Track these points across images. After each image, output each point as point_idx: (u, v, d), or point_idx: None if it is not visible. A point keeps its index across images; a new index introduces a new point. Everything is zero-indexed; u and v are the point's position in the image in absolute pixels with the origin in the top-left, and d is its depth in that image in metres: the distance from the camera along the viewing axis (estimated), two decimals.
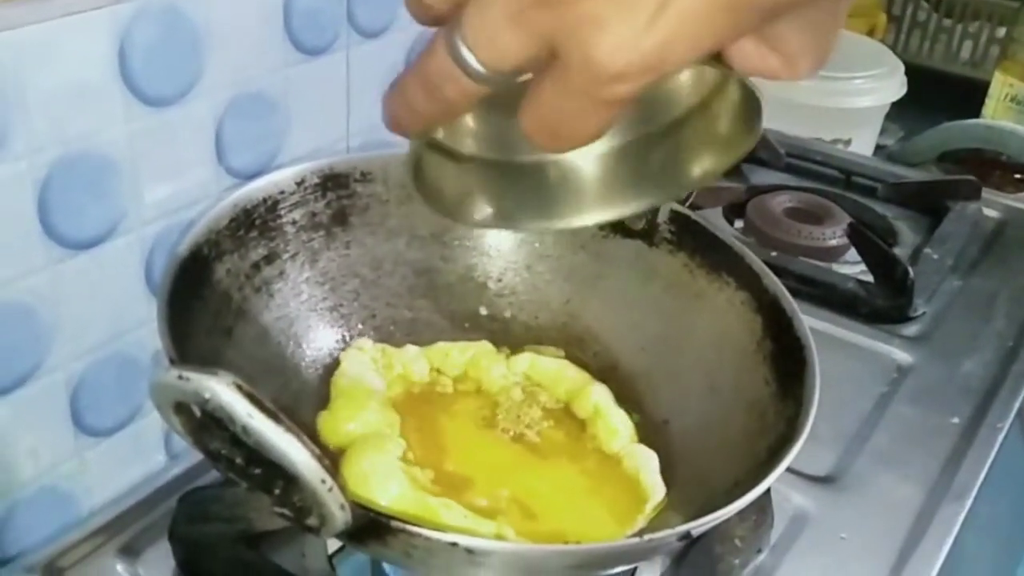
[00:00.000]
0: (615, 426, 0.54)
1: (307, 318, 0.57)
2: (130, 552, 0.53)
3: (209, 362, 0.48)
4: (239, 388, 0.34)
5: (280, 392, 0.54)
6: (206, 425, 0.36)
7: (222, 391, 0.33)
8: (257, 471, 0.37)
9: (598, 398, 0.56)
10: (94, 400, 0.59)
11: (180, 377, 0.34)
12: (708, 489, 0.50)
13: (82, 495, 0.59)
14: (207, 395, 0.34)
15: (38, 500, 0.57)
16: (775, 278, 0.55)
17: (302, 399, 0.55)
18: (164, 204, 0.59)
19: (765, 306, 0.54)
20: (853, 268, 0.83)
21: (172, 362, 0.42)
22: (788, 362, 0.51)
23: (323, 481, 0.34)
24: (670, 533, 0.39)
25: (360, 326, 0.59)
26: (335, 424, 0.51)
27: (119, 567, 0.52)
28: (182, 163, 0.59)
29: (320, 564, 0.51)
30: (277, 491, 0.37)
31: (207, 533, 0.51)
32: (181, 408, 0.36)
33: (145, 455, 0.63)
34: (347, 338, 0.59)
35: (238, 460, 0.37)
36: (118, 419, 0.61)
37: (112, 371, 0.59)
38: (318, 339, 0.57)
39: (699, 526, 0.39)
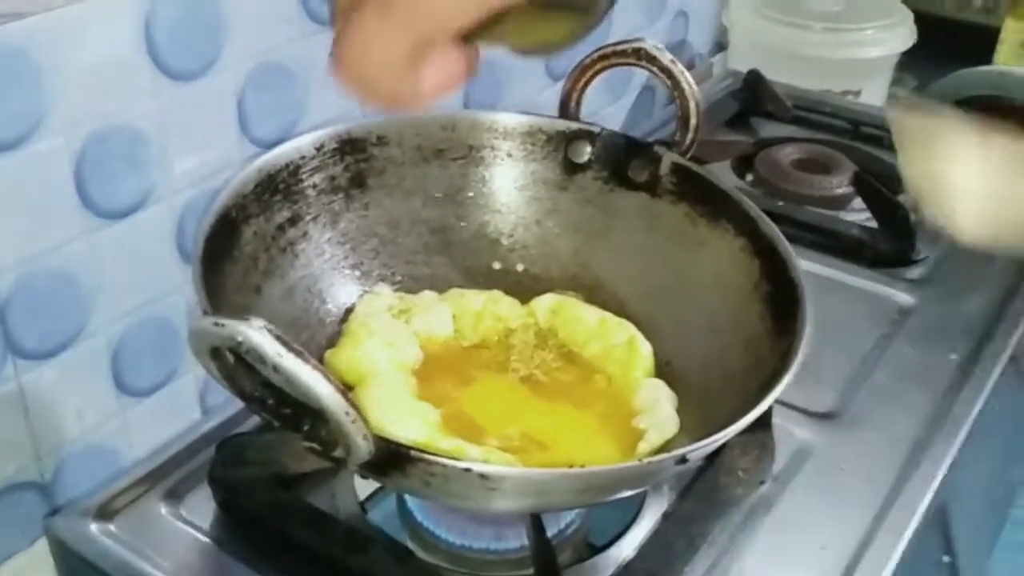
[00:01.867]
0: (645, 353, 0.57)
1: (330, 276, 0.60)
2: (174, 496, 0.57)
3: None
4: (269, 331, 0.37)
5: (306, 345, 0.56)
6: (239, 369, 0.40)
7: (253, 334, 0.37)
8: (287, 410, 0.41)
9: (631, 328, 0.59)
10: (133, 362, 0.63)
11: (216, 324, 0.38)
12: (709, 423, 0.52)
13: (125, 450, 0.63)
14: (240, 338, 0.37)
15: (85, 455, 0.61)
16: (771, 223, 0.58)
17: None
18: (192, 174, 0.62)
19: (762, 250, 0.57)
20: (859, 215, 0.85)
21: (206, 313, 0.46)
22: (783, 302, 0.54)
23: (347, 413, 0.38)
24: (667, 456, 0.42)
25: (380, 283, 0.63)
26: (338, 360, 0.54)
27: (163, 509, 0.56)
28: (207, 134, 0.63)
29: (350, 504, 0.55)
30: (306, 427, 0.41)
31: (244, 476, 0.54)
32: (217, 353, 0.40)
33: (182, 412, 0.67)
34: (368, 291, 0.62)
35: (269, 401, 0.41)
36: (156, 379, 0.65)
37: (149, 334, 0.63)
38: (341, 296, 0.61)
39: (695, 450, 0.42)
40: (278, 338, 0.37)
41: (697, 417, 0.54)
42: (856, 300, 0.76)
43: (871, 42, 1.06)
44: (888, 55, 1.08)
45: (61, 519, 0.55)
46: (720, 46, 1.19)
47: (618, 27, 0.96)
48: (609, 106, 1.00)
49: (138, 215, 0.60)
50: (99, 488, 0.59)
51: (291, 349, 0.37)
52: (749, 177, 0.91)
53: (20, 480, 0.58)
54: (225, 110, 0.63)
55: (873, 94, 1.10)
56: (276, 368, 0.37)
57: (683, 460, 0.42)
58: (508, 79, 0.86)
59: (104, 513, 0.55)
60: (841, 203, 0.86)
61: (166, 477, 0.58)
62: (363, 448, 0.39)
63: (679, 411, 0.55)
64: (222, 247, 0.52)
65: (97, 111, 0.56)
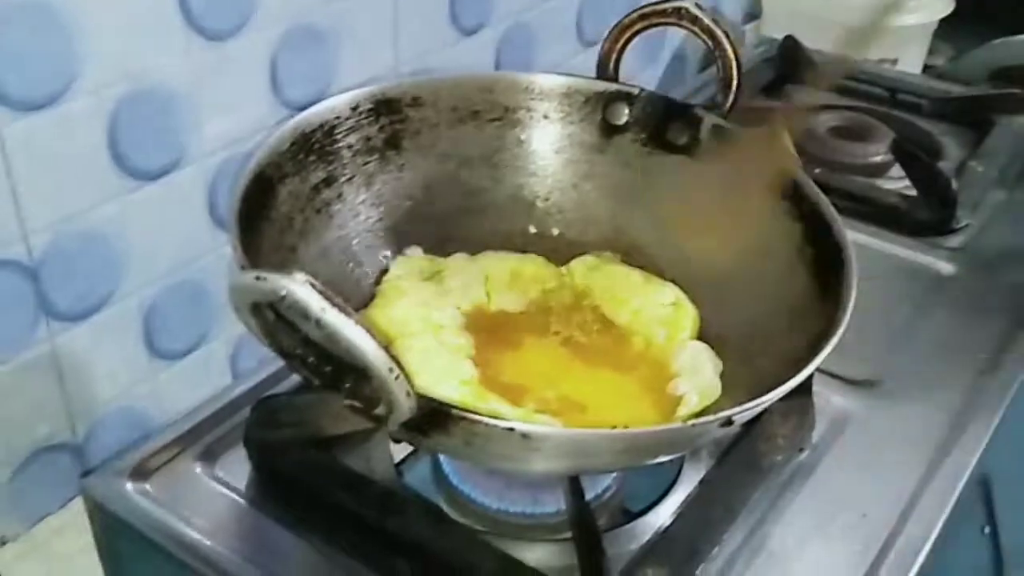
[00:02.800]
0: (692, 314, 0.57)
1: (364, 238, 0.60)
2: (209, 456, 0.57)
3: None
4: (313, 285, 0.36)
5: None
6: (280, 326, 0.39)
7: (297, 288, 0.36)
8: (328, 368, 0.40)
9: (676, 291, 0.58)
10: (165, 324, 0.62)
11: (258, 278, 0.37)
12: (751, 389, 0.51)
13: (156, 414, 0.63)
14: (283, 292, 0.36)
15: (117, 418, 0.61)
16: (815, 187, 0.57)
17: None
18: (224, 136, 0.61)
19: (805, 214, 0.56)
20: (898, 184, 0.83)
21: (245, 269, 0.45)
22: (827, 265, 0.53)
23: (391, 370, 0.37)
24: (712, 419, 0.42)
25: (414, 245, 0.62)
26: (370, 321, 0.53)
27: (199, 470, 0.56)
28: (240, 96, 0.62)
29: (386, 466, 0.54)
30: (347, 384, 0.40)
31: (279, 437, 0.54)
32: (257, 309, 0.39)
33: (213, 376, 0.66)
34: (402, 253, 0.62)
35: (310, 358, 0.40)
36: (188, 342, 0.65)
37: (181, 297, 0.63)
38: (375, 257, 0.60)
39: (740, 412, 0.41)
40: (322, 292, 0.36)
41: (738, 383, 0.54)
42: (895, 269, 0.75)
43: (908, 9, 1.04)
44: (925, 23, 1.06)
45: (97, 479, 0.55)
46: (752, 15, 1.17)
47: None
48: (640, 72, 0.99)
49: (170, 177, 0.59)
50: (131, 449, 0.59)
51: (335, 304, 0.36)
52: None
53: (54, 442, 0.58)
54: (258, 72, 0.63)
55: (910, 63, 1.08)
56: (319, 323, 0.36)
57: (728, 422, 0.41)
58: (539, 44, 0.85)
59: (140, 473, 0.55)
60: (879, 171, 0.85)
61: (201, 438, 0.57)
62: (406, 405, 0.39)
63: (721, 378, 0.55)
64: (258, 206, 0.52)
65: (130, 71, 0.55)
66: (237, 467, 0.56)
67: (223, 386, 0.65)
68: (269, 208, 0.53)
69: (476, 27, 0.78)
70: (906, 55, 1.07)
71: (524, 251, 0.64)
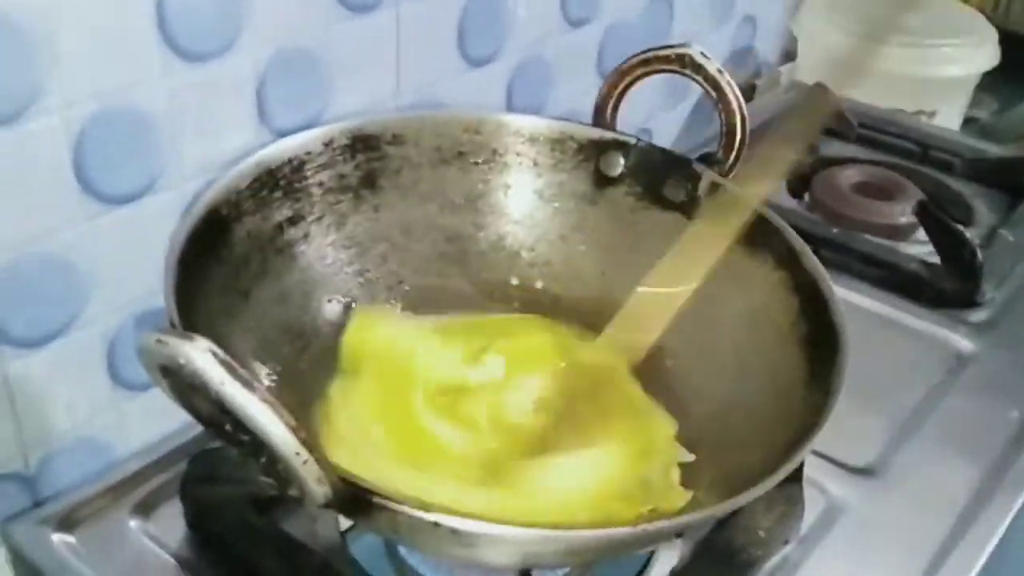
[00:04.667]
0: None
1: (331, 282, 0.56)
2: (144, 509, 0.53)
3: (221, 322, 0.49)
4: (214, 355, 0.33)
5: (299, 355, 0.53)
6: (193, 389, 0.35)
7: (196, 357, 0.33)
8: (245, 437, 0.36)
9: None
10: (131, 354, 0.59)
11: (158, 341, 0.34)
12: (728, 474, 0.47)
13: (120, 445, 0.60)
14: (182, 360, 0.33)
15: (76, 449, 0.58)
16: (814, 258, 0.52)
17: (323, 363, 0.54)
18: (205, 162, 0.58)
19: (802, 287, 0.52)
20: (922, 248, 0.78)
21: (171, 323, 0.42)
22: (821, 347, 0.48)
23: (297, 454, 0.34)
24: (665, 525, 0.37)
25: (387, 292, 0.58)
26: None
27: (132, 523, 0.52)
28: (223, 121, 0.59)
29: (331, 534, 0.50)
30: (263, 459, 0.36)
31: (216, 495, 0.50)
32: (167, 371, 0.35)
33: (180, 409, 0.63)
34: (373, 299, 0.58)
35: (226, 425, 0.36)
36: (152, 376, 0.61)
37: (149, 326, 0.59)
38: (342, 303, 0.56)
39: (695, 521, 0.37)
40: (223, 363, 0.33)
41: (715, 465, 0.49)
42: (910, 342, 0.69)
43: (950, 60, 0.99)
44: (968, 75, 1.01)
45: (21, 525, 0.52)
46: (789, 55, 1.13)
47: (681, 29, 0.91)
48: (666, 111, 0.95)
49: (143, 202, 0.56)
50: (89, 482, 0.56)
51: (237, 376, 0.33)
52: (805, 198, 0.85)
53: (2, 472, 0.55)
54: (243, 96, 0.59)
55: (949, 116, 1.03)
56: (219, 397, 0.33)
57: (679, 534, 0.37)
58: (556, 78, 0.81)
59: (68, 523, 0.52)
60: (902, 233, 0.80)
61: (139, 486, 0.54)
62: (318, 492, 0.35)
63: (697, 456, 0.51)
64: (208, 246, 0.49)
65: (101, 90, 0.52)
66: (173, 522, 0.52)
67: (190, 419, 0.62)
68: (221, 248, 0.50)
69: (487, 57, 0.75)
70: (945, 108, 1.02)
71: (505, 304, 0.60)
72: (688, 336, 0.55)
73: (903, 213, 0.81)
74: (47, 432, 0.57)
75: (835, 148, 0.90)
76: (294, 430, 0.33)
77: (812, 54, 1.07)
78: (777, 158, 0.52)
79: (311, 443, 0.34)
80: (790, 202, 0.84)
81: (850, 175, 0.85)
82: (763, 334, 0.52)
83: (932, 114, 1.02)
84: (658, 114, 0.93)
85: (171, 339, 0.33)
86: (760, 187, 0.51)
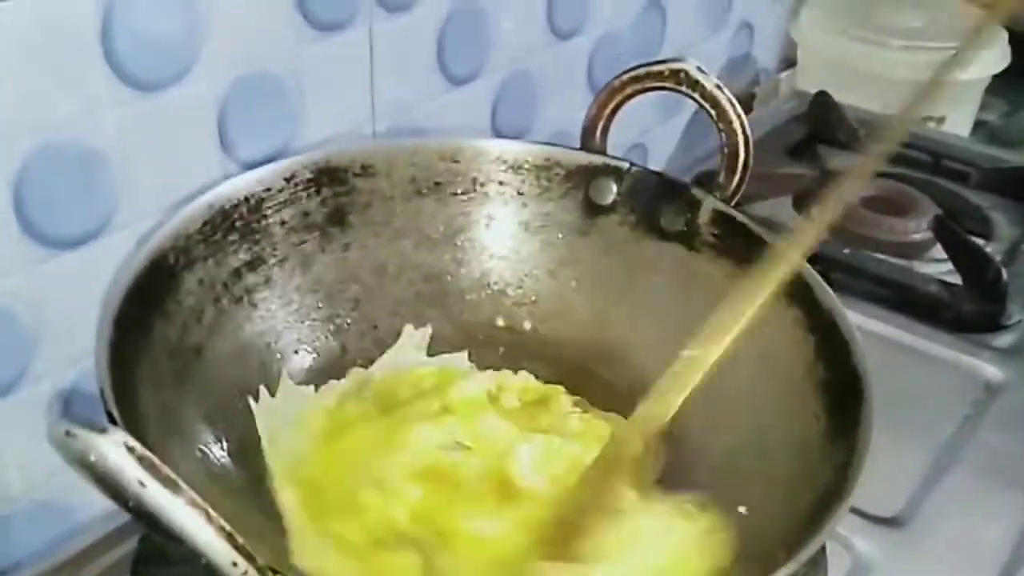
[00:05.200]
0: None
1: (297, 331, 0.51)
2: None
3: (170, 387, 0.43)
4: (130, 450, 0.28)
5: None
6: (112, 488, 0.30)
7: (109, 452, 0.27)
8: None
9: None
10: (90, 408, 0.52)
11: (67, 433, 0.28)
12: (743, 538, 0.42)
13: (81, 508, 0.56)
14: (92, 457, 0.28)
15: (32, 514, 0.54)
16: (832, 294, 0.47)
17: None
18: (164, 198, 0.54)
19: (820, 326, 0.47)
20: (940, 267, 0.73)
21: (103, 396, 0.37)
22: (841, 395, 0.43)
23: (235, 564, 0.28)
24: None
25: (359, 339, 0.53)
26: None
27: None
28: (182, 154, 0.55)
29: None
30: (203, 560, 0.31)
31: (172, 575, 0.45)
32: (83, 465, 0.30)
33: None
34: (345, 349, 0.53)
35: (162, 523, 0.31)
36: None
37: None
38: (309, 355, 0.51)
39: None
40: (142, 459, 0.27)
41: (728, 528, 0.44)
42: (933, 372, 0.64)
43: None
44: (976, 78, 0.97)
45: None
46: (788, 62, 1.08)
47: (675, 37, 0.86)
48: (660, 126, 0.90)
49: (94, 244, 0.52)
50: (50, 549, 0.52)
51: (158, 476, 0.27)
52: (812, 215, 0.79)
53: None
54: (203, 126, 0.55)
55: (958, 122, 0.98)
56: (137, 501, 0.27)
57: None
58: (543, 95, 0.77)
59: None
60: (917, 251, 0.75)
61: (84, 567, 0.49)
62: None
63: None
64: (151, 300, 0.44)
65: (41, 123, 0.48)
66: None
67: None
68: (168, 301, 0.45)
69: (469, 75, 0.70)
70: (954, 113, 0.98)
71: (490, 346, 0.55)
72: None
73: (917, 229, 0.76)
74: None
75: (843, 159, 0.85)
76: (228, 536, 0.28)
77: (813, 60, 1.02)
78: (835, 197, 0.47)
79: (248, 550, 0.28)
80: (792, 219, 0.78)
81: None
82: (775, 378, 0.47)
83: (941, 120, 0.97)
84: (653, 129, 0.89)
85: (80, 431, 0.28)
86: (812, 232, 0.46)
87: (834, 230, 0.74)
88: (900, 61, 0.94)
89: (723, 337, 0.44)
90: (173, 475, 0.28)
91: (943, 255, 0.74)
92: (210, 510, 0.28)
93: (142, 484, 0.27)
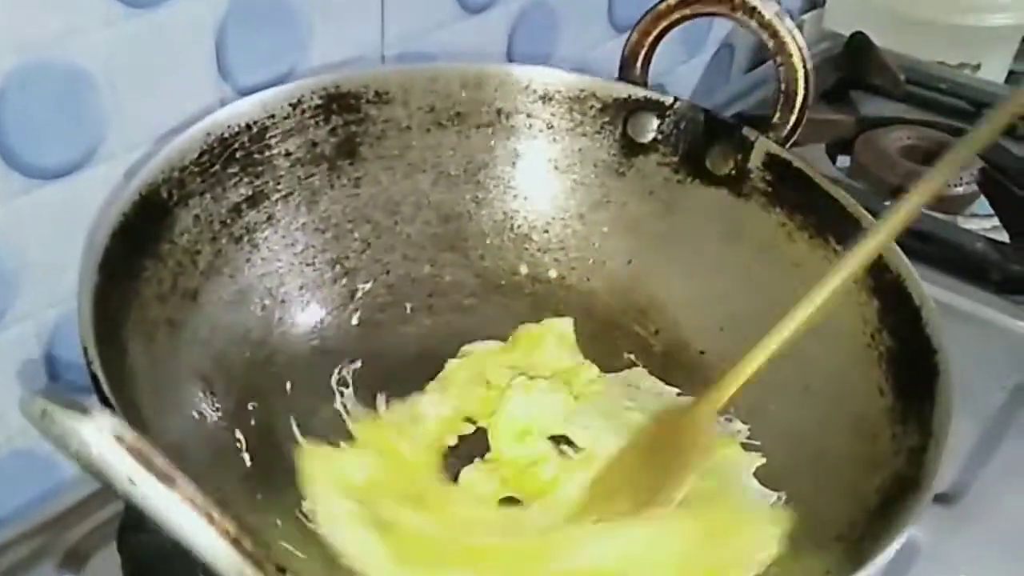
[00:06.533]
0: None
1: (301, 274, 0.46)
2: (75, 560, 0.44)
3: (162, 336, 0.39)
4: (119, 439, 0.23)
5: (260, 369, 0.43)
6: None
7: (93, 442, 0.23)
8: None
9: None
10: (72, 352, 0.50)
11: (44, 414, 0.23)
12: (796, 527, 0.39)
13: (67, 461, 0.51)
14: (74, 446, 0.23)
15: (13, 466, 0.50)
16: (900, 252, 0.43)
17: (289, 379, 0.44)
18: (155, 127, 0.49)
19: (884, 288, 0.42)
20: (984, 223, 0.69)
21: (86, 354, 0.32)
22: (911, 368, 0.39)
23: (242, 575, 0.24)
24: None
25: (369, 284, 0.48)
26: None
27: None
28: (177, 78, 0.50)
29: None
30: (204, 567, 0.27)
31: (158, 543, 0.41)
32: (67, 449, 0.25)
33: None
34: (354, 295, 0.48)
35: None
36: None
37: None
38: (315, 302, 0.47)
39: None
40: (132, 450, 0.23)
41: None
42: (979, 335, 0.60)
43: (995, 7, 0.89)
44: (1015, 24, 0.91)
45: None
46: (812, 3, 1.02)
47: None
48: (681, 64, 0.84)
49: (79, 175, 0.47)
50: (31, 506, 0.48)
51: (152, 468, 0.23)
52: (846, 163, 0.75)
53: None
54: (199, 49, 0.50)
55: (994, 69, 0.93)
56: (127, 497, 0.23)
57: None
58: (562, 26, 0.71)
59: None
60: (961, 205, 0.70)
61: (64, 533, 0.44)
62: None
63: None
64: (144, 240, 0.39)
65: (24, 41, 0.43)
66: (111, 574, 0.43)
67: None
68: (161, 241, 0.40)
69: (485, 3, 0.65)
70: (990, 60, 0.92)
71: (512, 295, 0.50)
72: (738, 344, 0.45)
73: (960, 181, 0.71)
74: None
75: (877, 106, 0.80)
76: (234, 541, 0.23)
77: (842, 1, 0.96)
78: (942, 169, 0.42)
79: (259, 556, 0.24)
80: (829, 168, 0.74)
81: (897, 137, 0.75)
82: (834, 346, 0.42)
83: (977, 67, 0.92)
84: (673, 69, 0.83)
85: (58, 413, 0.23)
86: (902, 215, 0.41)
87: (871, 181, 0.71)
88: (937, 4, 0.88)
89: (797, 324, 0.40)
90: (168, 467, 0.23)
91: (988, 210, 0.69)
92: (212, 509, 0.23)
93: (132, 481, 0.23)
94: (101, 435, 0.23)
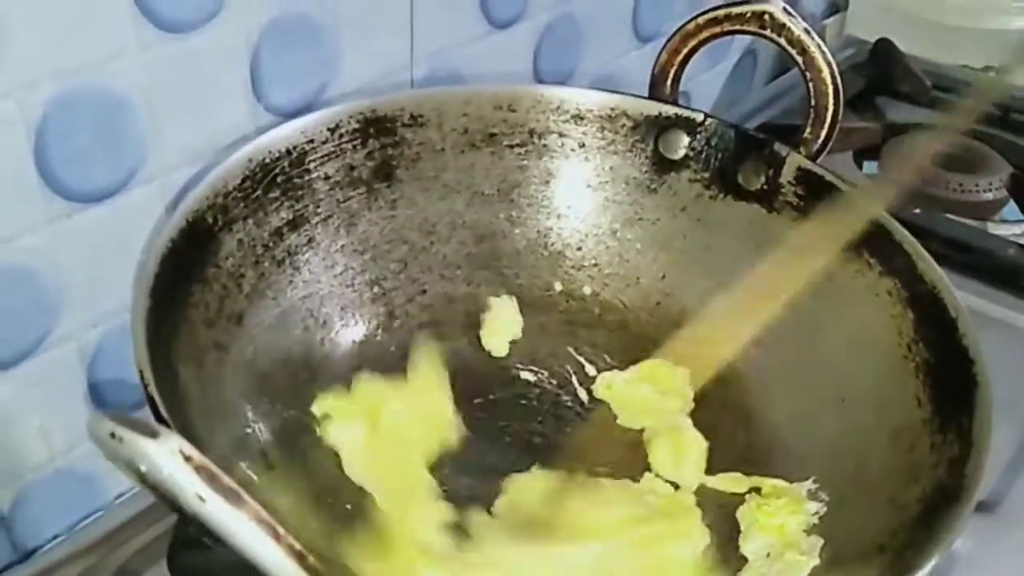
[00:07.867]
0: None
1: (341, 295, 0.47)
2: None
3: (212, 359, 0.40)
4: (186, 458, 0.24)
5: (303, 389, 0.44)
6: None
7: (164, 464, 0.24)
8: None
9: None
10: (114, 372, 0.51)
11: (112, 436, 0.24)
12: (834, 539, 0.39)
13: (106, 477, 0.52)
14: (143, 466, 0.24)
15: (54, 486, 0.50)
16: (933, 263, 0.43)
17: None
18: (192, 148, 0.50)
19: (919, 299, 0.43)
20: (1013, 228, 0.69)
21: (142, 377, 0.33)
22: (949, 379, 0.40)
23: None
24: None
25: (407, 304, 0.49)
26: None
27: None
28: (212, 100, 0.50)
29: None
30: None
31: (209, 561, 0.42)
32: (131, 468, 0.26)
33: None
34: (392, 315, 0.49)
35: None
36: (141, 393, 0.53)
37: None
38: (354, 322, 0.47)
39: None
40: (200, 469, 0.24)
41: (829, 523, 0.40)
42: (1012, 342, 0.60)
43: (1020, 10, 0.90)
44: None
45: None
46: (835, 6, 1.02)
47: None
48: (704, 72, 0.85)
49: (119, 197, 0.48)
50: (75, 526, 0.49)
51: (219, 488, 0.24)
52: (869, 168, 0.75)
53: None
54: (234, 70, 0.51)
55: (1021, 73, 0.92)
56: (195, 516, 0.24)
57: None
58: (586, 40, 0.71)
59: None
60: (991, 210, 0.70)
61: (116, 549, 0.45)
62: None
63: None
64: (189, 266, 0.40)
65: (63, 68, 0.43)
66: None
67: None
68: (207, 266, 0.41)
69: (511, 19, 0.65)
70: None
71: (547, 312, 0.51)
72: (773, 357, 0.46)
73: (989, 187, 0.71)
74: (18, 468, 0.49)
75: (904, 112, 0.80)
76: (298, 555, 0.24)
77: (865, 5, 0.96)
78: (920, 153, 0.42)
79: (320, 570, 0.25)
80: (856, 174, 0.74)
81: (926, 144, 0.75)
82: (870, 358, 0.43)
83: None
84: (696, 76, 0.83)
85: (128, 435, 0.24)
86: (893, 184, 0.42)
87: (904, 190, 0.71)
88: (962, 7, 0.88)
89: (784, 290, 0.40)
90: (234, 485, 0.24)
91: (1019, 215, 0.69)
92: (277, 526, 0.24)
93: (202, 499, 0.24)
94: (170, 456, 0.23)
